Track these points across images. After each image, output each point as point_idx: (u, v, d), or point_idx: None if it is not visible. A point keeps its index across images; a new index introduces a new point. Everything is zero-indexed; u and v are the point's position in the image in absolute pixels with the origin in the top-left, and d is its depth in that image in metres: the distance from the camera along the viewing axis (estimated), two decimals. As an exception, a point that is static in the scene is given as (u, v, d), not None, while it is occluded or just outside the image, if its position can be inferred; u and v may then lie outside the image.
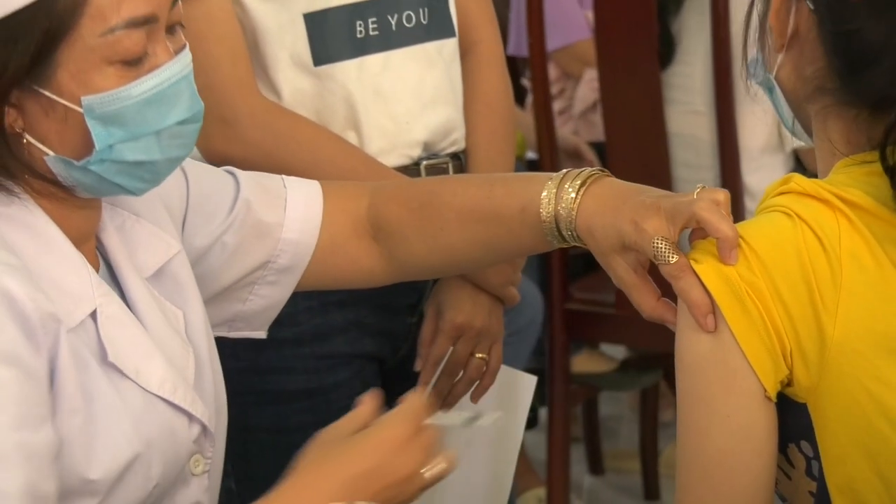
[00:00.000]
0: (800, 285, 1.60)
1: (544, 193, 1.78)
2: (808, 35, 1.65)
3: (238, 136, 2.12)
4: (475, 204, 1.87)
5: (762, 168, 3.38)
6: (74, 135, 1.57)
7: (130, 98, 1.56)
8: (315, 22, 2.19)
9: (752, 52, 1.76)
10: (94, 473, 1.55)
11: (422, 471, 1.57)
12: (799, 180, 1.64)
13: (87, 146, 1.57)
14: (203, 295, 1.83)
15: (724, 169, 3.30)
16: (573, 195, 1.75)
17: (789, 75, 1.69)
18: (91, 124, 1.56)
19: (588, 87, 3.90)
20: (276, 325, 2.11)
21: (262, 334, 1.94)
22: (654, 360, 3.95)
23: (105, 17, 1.54)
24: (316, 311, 2.21)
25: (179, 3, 1.62)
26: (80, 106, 1.55)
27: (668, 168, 3.29)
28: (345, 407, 2.22)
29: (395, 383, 2.29)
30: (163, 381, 1.63)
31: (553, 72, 3.74)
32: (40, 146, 1.58)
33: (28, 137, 1.58)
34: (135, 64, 1.57)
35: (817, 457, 1.64)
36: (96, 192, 1.63)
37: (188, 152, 1.67)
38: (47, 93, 1.56)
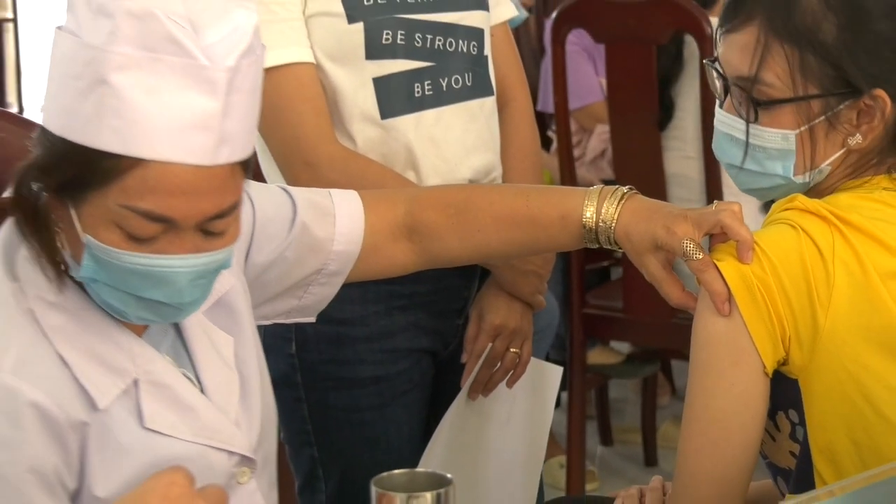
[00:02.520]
0: (801, 283, 1.61)
1: (587, 205, 1.76)
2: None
3: (320, 176, 2.08)
4: (513, 211, 1.83)
5: (739, 201, 3.33)
6: (77, 250, 1.46)
7: (120, 261, 1.43)
8: (382, 85, 2.16)
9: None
10: (102, 491, 1.49)
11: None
12: (802, 200, 1.66)
13: (78, 263, 1.47)
14: (266, 296, 1.79)
15: (710, 202, 3.22)
16: (613, 208, 1.74)
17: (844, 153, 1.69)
18: (86, 256, 1.44)
19: (598, 140, 3.92)
20: (351, 325, 2.09)
21: (311, 319, 1.88)
22: (653, 354, 3.95)
23: (128, 196, 1.40)
24: (382, 314, 2.18)
25: (224, 219, 1.46)
26: (83, 238, 1.44)
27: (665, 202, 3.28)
28: (405, 391, 2.23)
29: (445, 373, 2.30)
30: (200, 430, 1.54)
31: (572, 126, 3.73)
32: (64, 242, 1.48)
33: (60, 232, 1.48)
34: (138, 241, 1.43)
35: (802, 423, 1.66)
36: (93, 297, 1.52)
37: (164, 321, 1.54)
38: (73, 212, 1.44)
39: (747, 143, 1.70)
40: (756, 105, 1.67)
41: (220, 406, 1.59)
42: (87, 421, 1.46)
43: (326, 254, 1.81)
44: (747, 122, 1.68)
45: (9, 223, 1.53)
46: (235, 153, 1.46)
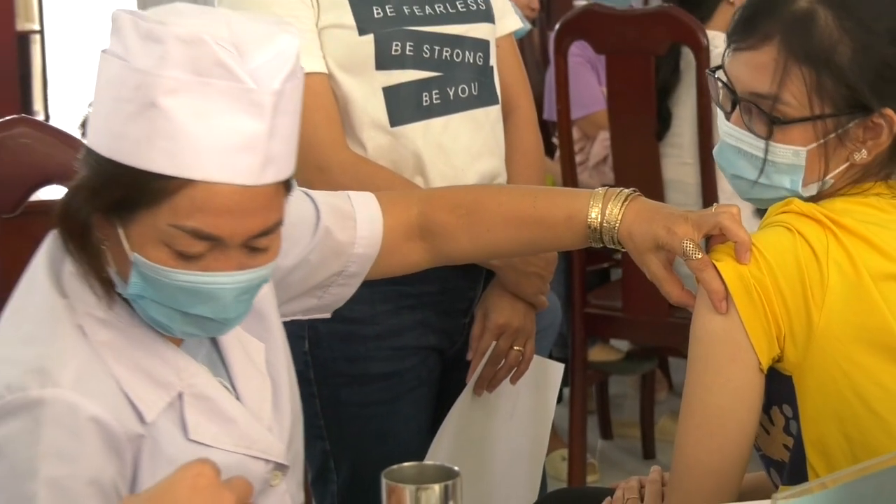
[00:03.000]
0: (796, 284, 1.61)
1: (592, 206, 1.76)
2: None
3: (332, 181, 2.07)
4: (521, 211, 1.83)
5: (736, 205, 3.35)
6: (126, 269, 1.45)
7: (167, 279, 1.42)
8: (391, 94, 2.16)
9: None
10: None
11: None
12: (798, 204, 1.66)
13: (125, 282, 1.46)
14: (288, 296, 1.79)
15: (706, 207, 3.22)
16: (618, 209, 1.74)
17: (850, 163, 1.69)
18: (133, 274, 1.44)
19: (600, 146, 3.91)
20: (361, 324, 2.08)
21: (327, 315, 1.88)
22: (651, 352, 3.94)
23: (177, 215, 1.40)
24: (391, 314, 2.17)
25: (268, 237, 1.46)
26: (131, 257, 1.43)
27: (662, 206, 3.29)
28: (413, 387, 2.23)
29: (451, 369, 2.30)
30: (240, 440, 1.54)
31: (575, 133, 3.72)
32: (110, 260, 1.47)
33: (106, 250, 1.47)
34: (186, 258, 1.42)
35: (795, 418, 1.66)
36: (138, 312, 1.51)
37: (207, 336, 1.53)
38: (120, 231, 1.43)
39: (765, 160, 1.68)
40: (773, 123, 1.66)
41: (255, 413, 1.59)
42: (143, 433, 1.46)
43: (348, 256, 1.81)
44: (766, 139, 1.67)
45: (52, 236, 1.53)
46: (280, 173, 1.46)
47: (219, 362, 1.60)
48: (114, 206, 1.43)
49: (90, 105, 1.48)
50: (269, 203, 1.45)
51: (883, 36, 1.64)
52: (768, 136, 1.67)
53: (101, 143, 1.44)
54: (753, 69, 1.67)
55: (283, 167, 1.47)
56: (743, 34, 1.68)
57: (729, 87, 1.71)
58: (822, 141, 1.66)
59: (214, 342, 1.60)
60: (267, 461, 1.57)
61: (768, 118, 1.66)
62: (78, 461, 1.41)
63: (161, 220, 1.40)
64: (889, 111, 1.65)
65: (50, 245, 1.52)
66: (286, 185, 1.49)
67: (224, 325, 1.50)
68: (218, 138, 1.39)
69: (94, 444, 1.42)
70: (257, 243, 1.45)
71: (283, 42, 1.44)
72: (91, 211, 1.44)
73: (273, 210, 1.46)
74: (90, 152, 1.46)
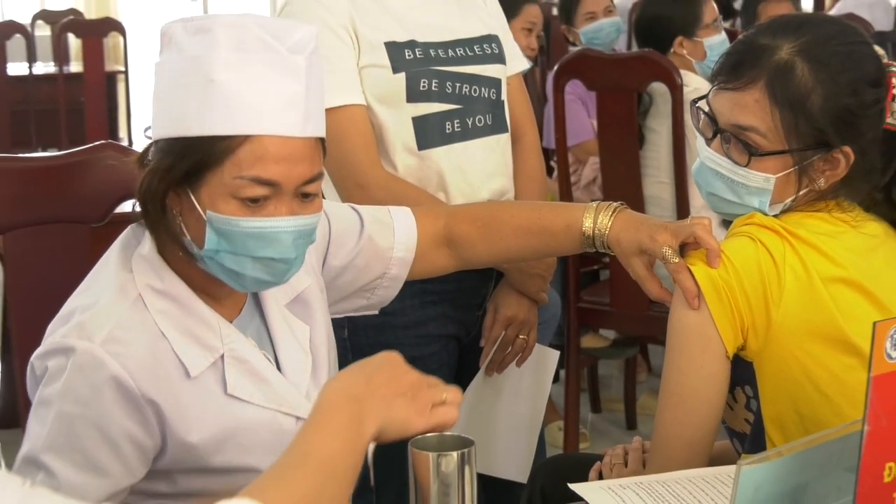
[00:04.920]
0: (757, 285, 1.61)
1: (586, 217, 1.76)
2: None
3: (369, 196, 2.07)
4: (528, 222, 1.83)
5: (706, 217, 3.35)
6: (200, 232, 1.46)
7: (238, 227, 1.43)
8: (419, 123, 2.16)
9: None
10: (215, 462, 1.49)
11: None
12: (760, 217, 1.66)
13: (202, 242, 1.46)
14: (341, 295, 1.79)
15: (680, 219, 3.19)
16: (607, 219, 1.74)
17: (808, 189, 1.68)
18: (208, 231, 1.44)
19: (590, 169, 3.90)
20: (392, 316, 2.07)
21: (375, 312, 1.88)
22: (634, 340, 3.92)
23: (240, 167, 1.42)
24: (417, 307, 2.16)
25: (314, 183, 1.47)
26: (205, 215, 1.44)
27: (643, 219, 3.29)
28: (435, 369, 2.21)
29: (467, 354, 2.29)
30: (272, 398, 1.53)
31: (570, 158, 3.72)
32: (184, 229, 1.48)
33: (180, 221, 1.48)
34: (253, 205, 1.43)
35: (755, 397, 1.66)
36: (214, 274, 1.50)
37: (274, 280, 1.51)
38: (193, 198, 1.45)
39: (739, 184, 1.67)
40: (751, 154, 1.65)
41: (293, 381, 1.58)
42: (157, 400, 1.45)
43: (388, 260, 1.80)
44: (744, 166, 1.66)
45: (128, 229, 1.55)
46: (318, 129, 1.48)
47: (266, 338, 1.59)
48: (185, 176, 1.44)
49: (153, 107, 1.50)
50: (312, 154, 1.46)
51: (846, 87, 1.63)
52: (745, 164, 1.66)
53: (168, 128, 1.46)
54: (737, 106, 1.65)
55: (319, 126, 1.49)
56: (730, 76, 1.66)
57: (712, 118, 1.69)
58: (789, 170, 1.65)
59: (264, 321, 1.59)
60: (298, 418, 1.55)
61: (747, 149, 1.65)
62: (88, 406, 1.42)
63: (227, 175, 1.42)
64: (847, 148, 1.64)
65: (125, 235, 1.54)
66: (323, 146, 1.50)
67: (287, 267, 1.49)
68: (266, 99, 1.42)
69: (110, 397, 1.42)
70: (306, 189, 1.46)
71: (305, 29, 1.47)
72: (166, 188, 1.46)
73: (316, 161, 1.47)
74: (156, 143, 1.48)
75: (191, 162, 1.43)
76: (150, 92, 1.50)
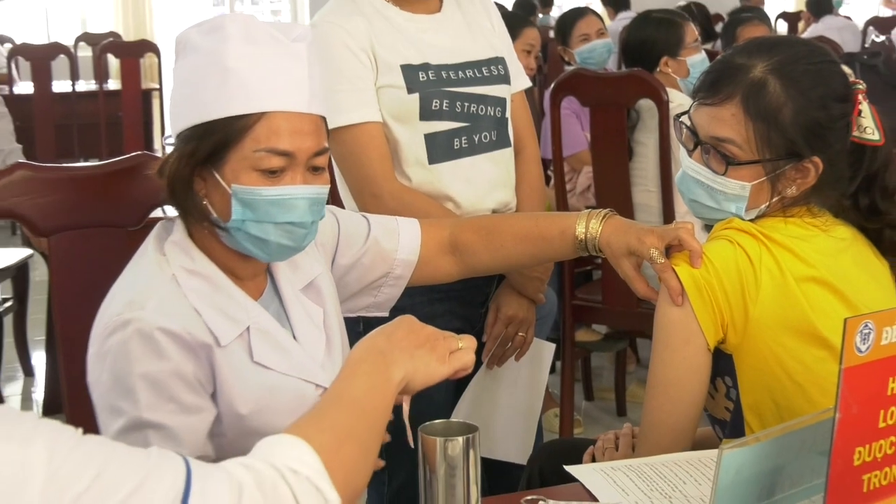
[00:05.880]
0: (736, 284, 1.60)
1: (579, 224, 1.76)
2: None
3: (383, 205, 2.08)
4: (526, 230, 1.83)
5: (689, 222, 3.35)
6: (226, 206, 1.49)
7: (260, 195, 1.47)
8: (430, 139, 2.16)
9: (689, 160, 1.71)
10: (243, 409, 1.49)
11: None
12: (738, 222, 1.66)
13: (228, 215, 1.49)
14: (350, 292, 1.79)
15: (666, 223, 3.18)
16: (598, 225, 1.74)
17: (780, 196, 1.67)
18: (234, 203, 1.48)
19: (584, 177, 3.90)
20: (402, 311, 2.03)
21: (385, 314, 1.86)
22: (623, 334, 3.92)
23: (259, 141, 1.46)
24: (426, 303, 2.15)
25: (322, 157, 1.51)
26: (230, 189, 1.48)
27: (632, 223, 3.28)
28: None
29: (471, 348, 2.29)
30: (294, 366, 1.54)
31: (565, 167, 3.71)
32: (210, 208, 1.51)
33: (206, 202, 1.51)
34: (271, 176, 1.47)
35: (735, 387, 1.65)
36: (239, 248, 1.53)
37: (295, 245, 1.53)
38: (217, 175, 1.48)
39: (718, 191, 1.67)
40: (728, 163, 1.64)
41: (310, 353, 1.59)
42: (211, 344, 1.47)
43: (392, 261, 1.80)
44: (721, 174, 1.65)
45: (158, 225, 1.57)
46: (321, 109, 1.52)
47: (284, 317, 1.60)
48: (209, 156, 1.47)
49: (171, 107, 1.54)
50: (318, 129, 1.50)
51: (815, 102, 1.62)
52: (723, 172, 1.66)
53: (188, 118, 1.49)
54: (715, 120, 1.65)
55: (323, 106, 1.52)
56: (709, 93, 1.66)
57: (693, 131, 1.69)
58: (763, 178, 1.64)
59: (282, 304, 1.60)
60: (317, 386, 1.56)
61: (724, 159, 1.65)
62: (160, 359, 1.42)
63: (247, 149, 1.46)
64: (816, 158, 1.63)
65: (157, 229, 1.57)
66: (326, 127, 1.54)
67: (305, 232, 1.52)
68: (276, 81, 1.47)
69: (171, 347, 1.43)
70: (315, 162, 1.50)
71: (301, 27, 1.53)
72: (192, 170, 1.49)
73: (321, 136, 1.51)
74: (178, 136, 1.51)
75: (213, 141, 1.46)
76: (170, 100, 1.53)
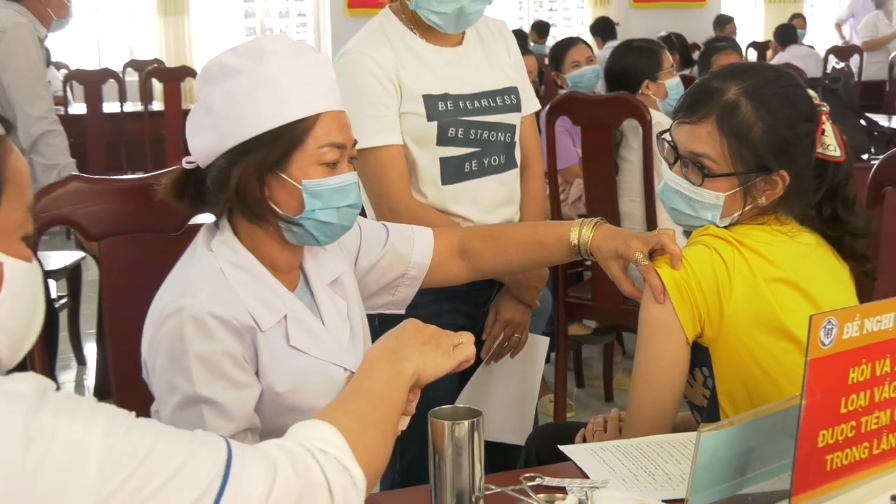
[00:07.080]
0: (712, 284, 1.59)
1: (572, 231, 1.77)
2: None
3: (398, 219, 2.05)
4: (527, 237, 1.83)
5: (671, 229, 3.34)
6: (294, 202, 1.51)
7: (327, 186, 1.51)
8: (445, 162, 2.16)
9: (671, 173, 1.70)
10: (279, 388, 1.50)
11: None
12: (713, 229, 1.65)
13: (299, 209, 1.51)
14: (370, 291, 1.79)
15: (650, 230, 3.16)
16: (589, 231, 1.75)
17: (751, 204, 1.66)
18: (305, 196, 1.50)
19: (576, 189, 3.90)
20: (412, 308, 2.06)
21: (402, 311, 1.87)
22: (611, 328, 3.91)
23: (319, 139, 1.50)
24: (433, 301, 2.14)
25: (356, 148, 1.57)
26: (301, 185, 1.50)
27: (619, 230, 3.26)
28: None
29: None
30: (324, 351, 1.55)
31: (559, 180, 3.70)
32: (275, 208, 1.52)
33: (271, 203, 1.52)
34: (331, 167, 1.51)
35: (711, 376, 1.65)
36: (300, 240, 1.55)
37: (350, 224, 1.57)
38: (284, 176, 1.50)
39: (695, 200, 1.66)
40: (705, 176, 1.64)
41: (337, 340, 1.60)
42: (255, 328, 1.48)
43: (407, 263, 1.81)
44: (698, 185, 1.65)
45: (204, 227, 1.58)
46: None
47: (315, 308, 1.61)
48: (277, 161, 1.49)
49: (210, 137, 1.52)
50: (349, 124, 1.56)
51: (783, 122, 1.62)
52: (700, 184, 1.65)
53: (244, 132, 1.49)
54: (693, 137, 1.65)
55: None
56: (688, 112, 1.66)
57: (674, 147, 1.69)
58: (736, 190, 1.64)
59: (313, 296, 1.61)
60: (345, 369, 1.57)
61: (701, 171, 1.65)
62: (212, 341, 1.43)
63: (311, 147, 1.49)
64: (784, 172, 1.63)
65: (203, 230, 1.58)
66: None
67: (354, 212, 1.56)
68: (319, 86, 1.51)
69: (221, 331, 1.44)
70: (352, 153, 1.55)
71: (323, 54, 1.57)
72: (262, 181, 1.50)
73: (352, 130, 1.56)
74: (227, 155, 1.49)
75: (281, 147, 1.48)
76: (197, 125, 1.51)
